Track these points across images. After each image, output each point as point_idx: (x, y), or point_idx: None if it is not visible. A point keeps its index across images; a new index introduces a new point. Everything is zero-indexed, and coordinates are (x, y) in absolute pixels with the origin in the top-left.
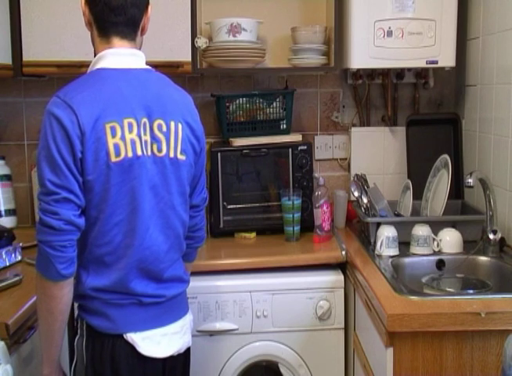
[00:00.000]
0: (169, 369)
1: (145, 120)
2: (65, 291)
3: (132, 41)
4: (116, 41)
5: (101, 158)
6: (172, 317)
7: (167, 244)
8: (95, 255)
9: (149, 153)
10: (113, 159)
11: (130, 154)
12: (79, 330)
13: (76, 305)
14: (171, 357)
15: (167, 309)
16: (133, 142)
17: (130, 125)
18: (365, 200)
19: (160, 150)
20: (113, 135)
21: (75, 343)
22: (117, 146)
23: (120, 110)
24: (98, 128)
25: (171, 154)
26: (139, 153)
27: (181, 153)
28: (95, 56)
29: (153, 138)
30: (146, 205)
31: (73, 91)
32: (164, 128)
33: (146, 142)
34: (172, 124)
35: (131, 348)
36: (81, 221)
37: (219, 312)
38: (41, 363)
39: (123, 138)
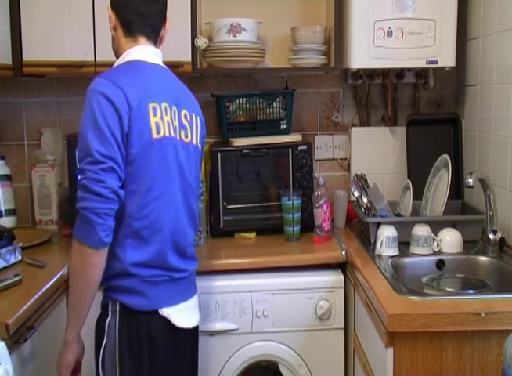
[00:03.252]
0: (194, 339)
1: (174, 108)
2: (103, 260)
3: (154, 44)
4: (142, 40)
5: (145, 134)
6: (192, 291)
7: (188, 222)
8: (133, 229)
9: (179, 137)
10: (155, 136)
11: (167, 134)
12: (110, 313)
13: (102, 289)
14: (194, 328)
15: (189, 284)
16: (168, 124)
17: (165, 109)
18: (365, 200)
19: (186, 136)
20: (154, 115)
21: (106, 325)
22: (157, 125)
23: (158, 94)
24: (142, 106)
25: (194, 142)
26: (173, 134)
27: (199, 142)
28: (116, 56)
29: (181, 125)
30: (177, 183)
31: (117, 75)
32: (188, 118)
33: (175, 127)
34: (193, 115)
35: (166, 321)
36: (122, 192)
37: (219, 312)
38: (64, 330)
39: (161, 118)
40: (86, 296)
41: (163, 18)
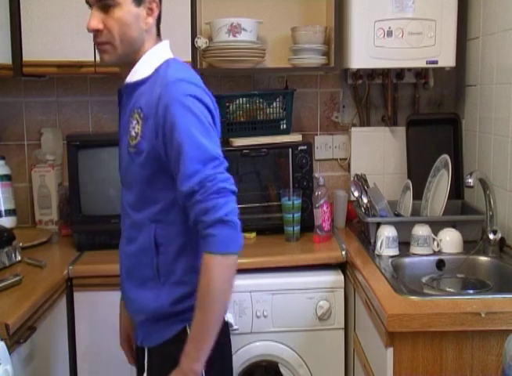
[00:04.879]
0: None
1: None
2: None
3: None
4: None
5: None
6: None
7: None
8: None
9: None
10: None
11: None
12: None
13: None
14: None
15: None
16: None
17: None
18: (365, 200)
19: None
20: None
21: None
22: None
23: None
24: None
25: None
26: None
27: None
28: (128, 52)
29: None
30: None
31: (191, 75)
32: None
33: None
34: None
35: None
36: None
37: None
38: (188, 361)
39: None
40: (224, 312)
41: None
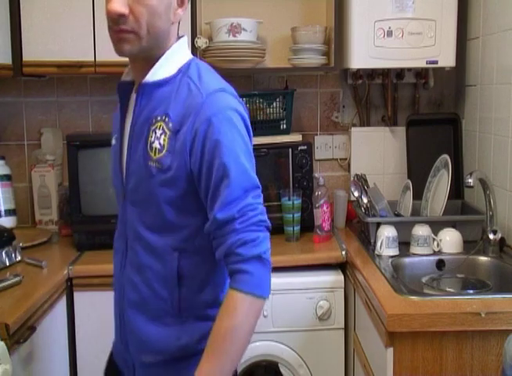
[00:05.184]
0: None
1: None
2: None
3: None
4: None
5: None
6: None
7: None
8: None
9: None
10: None
11: None
12: None
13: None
14: None
15: None
16: None
17: None
18: (365, 200)
19: None
20: None
21: None
22: None
23: None
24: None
25: None
26: None
27: None
28: (158, 48)
29: None
30: None
31: (227, 84)
32: None
33: None
34: None
35: None
36: None
37: None
38: None
39: None
40: (239, 361)
41: None
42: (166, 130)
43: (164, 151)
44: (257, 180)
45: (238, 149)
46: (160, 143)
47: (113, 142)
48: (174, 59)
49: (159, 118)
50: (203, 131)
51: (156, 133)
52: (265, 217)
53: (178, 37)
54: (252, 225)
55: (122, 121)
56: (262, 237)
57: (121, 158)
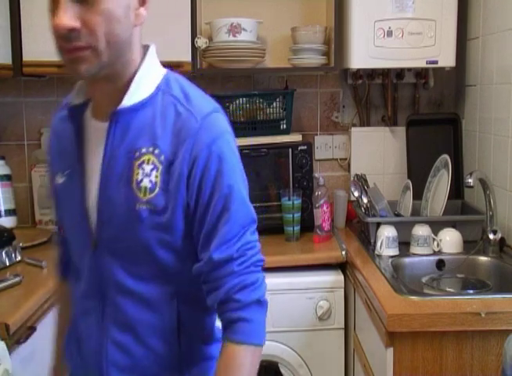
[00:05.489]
0: None
1: None
2: None
3: None
4: None
5: None
6: None
7: None
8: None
9: None
10: None
11: None
12: None
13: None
14: None
15: None
16: None
17: None
18: (365, 200)
19: None
20: None
21: None
22: None
23: None
24: None
25: None
26: None
27: None
28: (121, 62)
29: None
30: None
31: (210, 100)
32: None
33: None
34: None
35: None
36: None
37: None
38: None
39: None
40: None
41: None
42: (157, 164)
43: (156, 190)
44: (254, 212)
45: (238, 178)
46: (151, 181)
47: (61, 180)
48: (150, 75)
49: (144, 150)
50: (203, 161)
51: (144, 169)
52: (262, 256)
53: (144, 47)
54: (251, 266)
55: (79, 154)
56: (261, 279)
57: (84, 202)
